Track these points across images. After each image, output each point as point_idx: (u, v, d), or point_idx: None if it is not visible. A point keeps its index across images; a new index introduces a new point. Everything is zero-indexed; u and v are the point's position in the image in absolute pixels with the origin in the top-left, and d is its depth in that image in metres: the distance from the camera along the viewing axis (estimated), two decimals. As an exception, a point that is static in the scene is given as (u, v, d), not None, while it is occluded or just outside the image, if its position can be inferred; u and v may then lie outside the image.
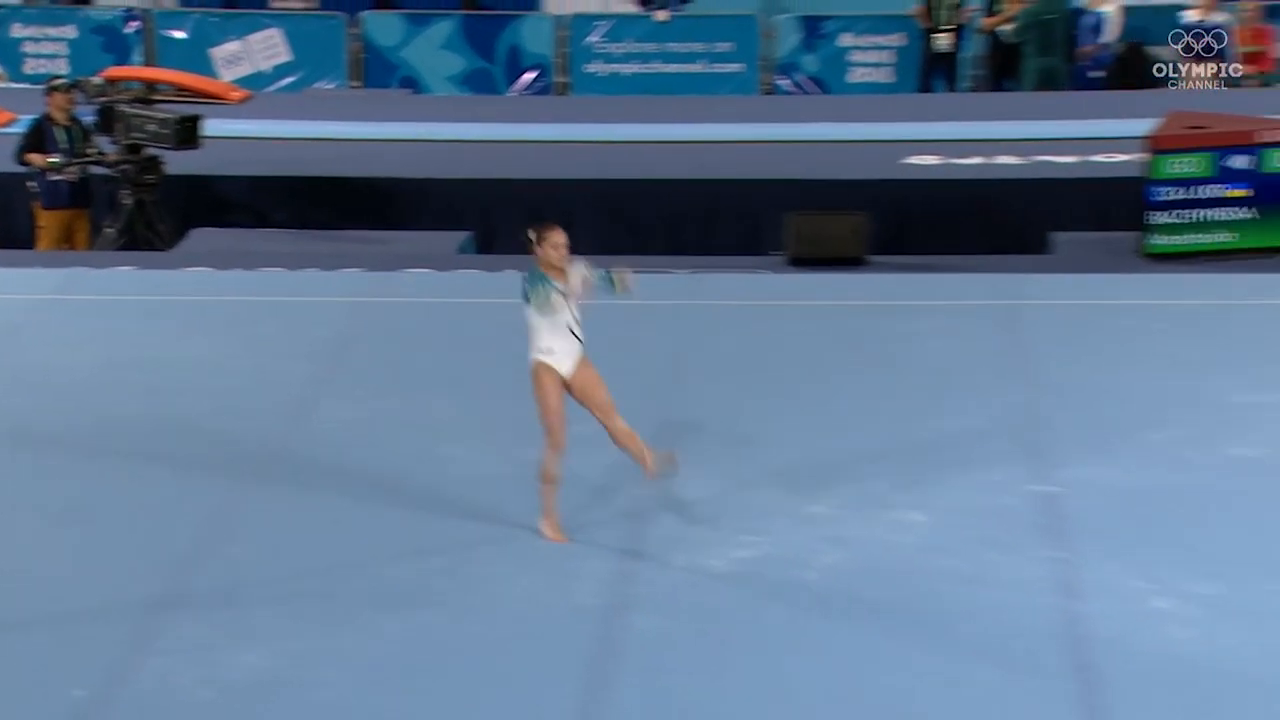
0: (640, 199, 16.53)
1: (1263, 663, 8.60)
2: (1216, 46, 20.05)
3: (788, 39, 21.77)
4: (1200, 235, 14.71)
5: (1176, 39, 20.19)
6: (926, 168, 16.81)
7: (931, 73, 21.12)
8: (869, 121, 18.70)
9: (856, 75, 21.63)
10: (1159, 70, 20.32)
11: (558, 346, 9.67)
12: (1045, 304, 13.73)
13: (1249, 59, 20.19)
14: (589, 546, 9.84)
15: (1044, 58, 20.49)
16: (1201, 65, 20.08)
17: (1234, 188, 14.66)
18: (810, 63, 21.72)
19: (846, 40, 21.66)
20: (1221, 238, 14.70)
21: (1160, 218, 14.74)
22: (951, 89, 21.16)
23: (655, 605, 9.27)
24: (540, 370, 9.71)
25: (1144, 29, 20.92)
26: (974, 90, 21.28)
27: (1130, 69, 20.54)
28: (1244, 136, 14.81)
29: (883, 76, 21.56)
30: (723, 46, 21.84)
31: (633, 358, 11.63)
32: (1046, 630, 8.97)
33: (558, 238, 9.69)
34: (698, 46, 21.87)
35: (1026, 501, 10.37)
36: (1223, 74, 20.05)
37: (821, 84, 21.64)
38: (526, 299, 9.64)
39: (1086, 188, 16.09)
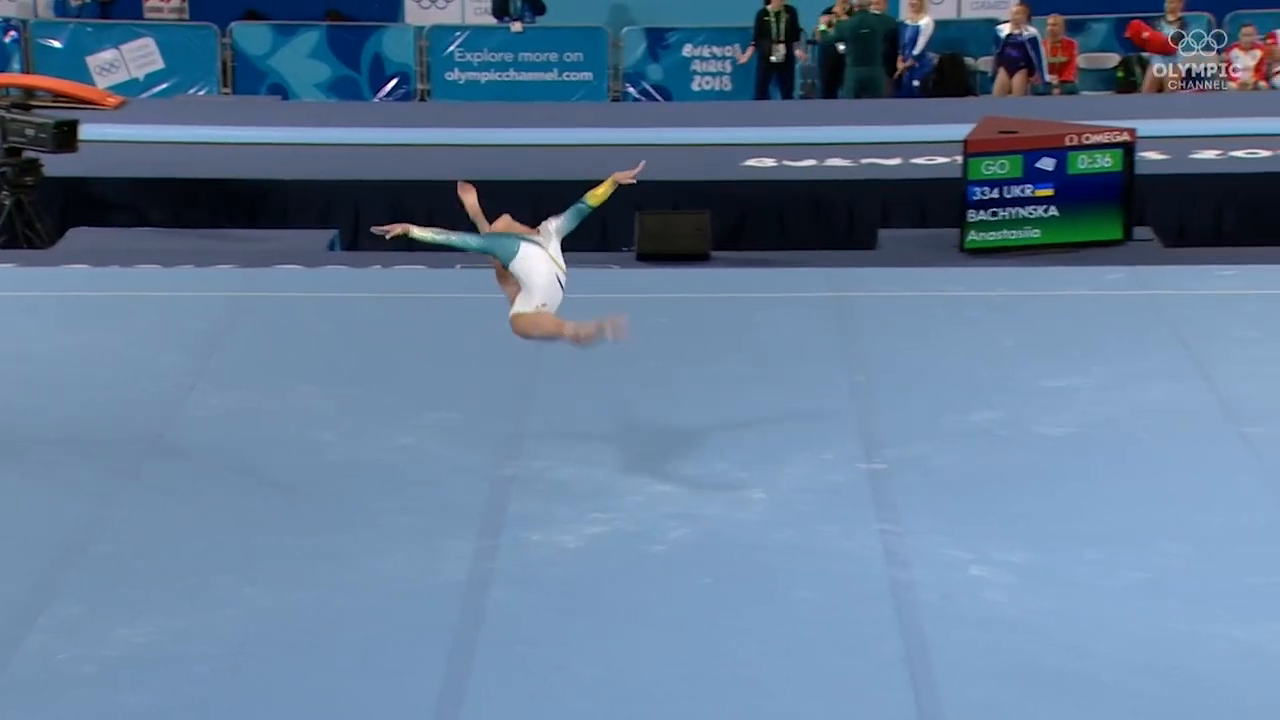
0: (498, 199, 16.35)
1: (1069, 624, 8.77)
2: (1028, 57, 20.35)
3: (634, 49, 21.85)
4: (1011, 232, 14.94)
5: (991, 50, 20.49)
6: (764, 169, 16.92)
7: (768, 81, 21.28)
8: (711, 127, 18.80)
9: (698, 84, 21.75)
10: (976, 79, 20.63)
11: (550, 302, 9.45)
12: (873, 295, 13.86)
13: (1054, 69, 20.52)
14: (453, 526, 9.87)
15: (861, 68, 20.69)
16: (1013, 75, 20.38)
17: (1041, 188, 14.91)
18: (655, 72, 21.81)
19: (689, 51, 21.77)
20: (1030, 234, 14.94)
21: (976, 216, 14.96)
22: (786, 96, 21.32)
23: (514, 580, 9.31)
24: (527, 314, 9.42)
25: (963, 40, 21.19)
26: (806, 98, 21.46)
27: (949, 78, 20.81)
28: (1051, 140, 15.06)
29: (722, 85, 21.70)
30: (573, 56, 21.89)
31: (491, 349, 11.65)
32: (875, 597, 9.09)
33: (503, 218, 9.57)
34: (550, 56, 21.91)
35: (857, 479, 10.49)
36: (1033, 83, 20.36)
37: (666, 92, 21.73)
38: (507, 255, 9.37)
39: (910, 188, 16.26)
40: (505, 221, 9.53)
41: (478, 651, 8.63)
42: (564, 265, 9.45)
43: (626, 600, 9.12)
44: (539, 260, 9.39)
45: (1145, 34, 20.47)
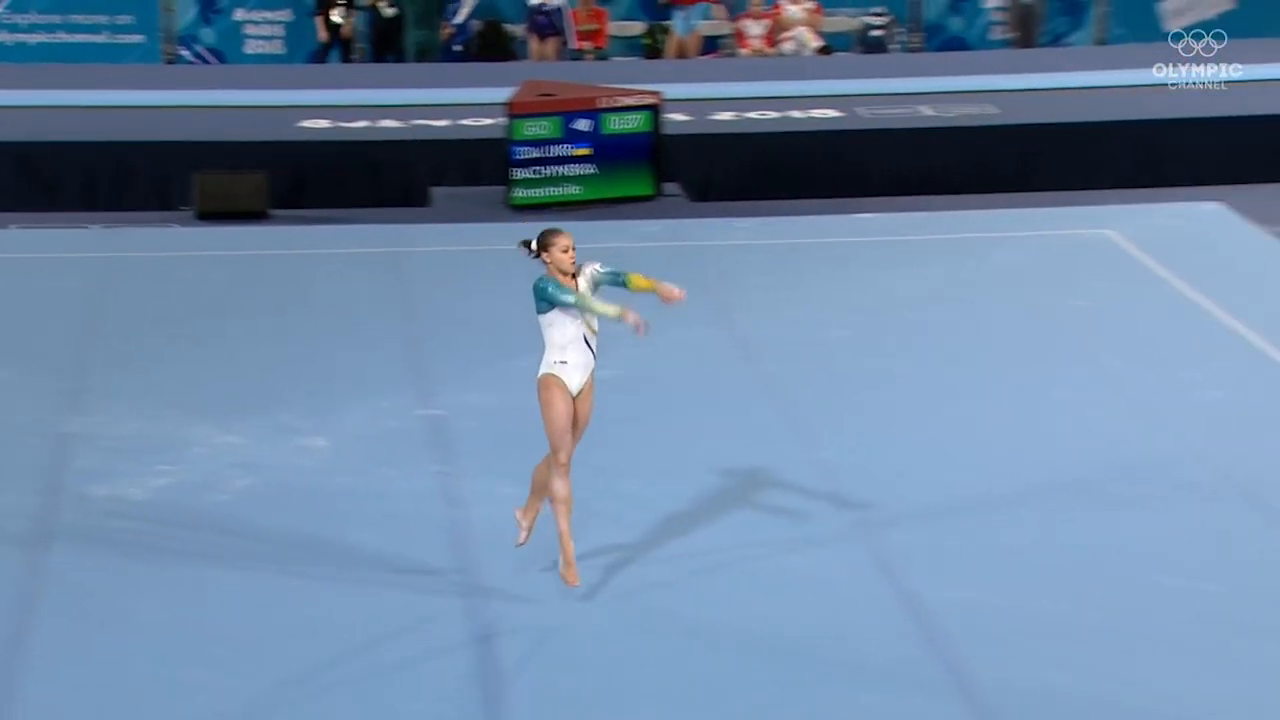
0: (55, 160, 15.98)
1: (615, 550, 8.95)
2: (557, 25, 20.57)
3: (185, 13, 21.28)
4: (553, 189, 15.12)
5: (525, 18, 20.66)
6: (319, 130, 16.74)
7: (326, 46, 21.01)
8: (266, 89, 18.48)
9: (251, 47, 21.33)
10: (515, 44, 20.75)
11: (571, 358, 8.23)
12: (427, 250, 13.90)
13: (587, 36, 20.79)
14: (13, 483, 9.55)
15: (419, 31, 20.62)
16: (545, 42, 20.60)
17: (578, 147, 15.12)
18: (208, 35, 21.29)
19: (240, 15, 21.33)
20: (571, 190, 15.14)
21: (521, 174, 15.09)
22: (344, 61, 21.10)
23: (78, 534, 9.07)
24: (550, 383, 8.20)
25: (500, 7, 21.26)
26: (360, 61, 21.27)
27: (491, 43, 20.86)
28: (587, 103, 15.28)
29: (275, 48, 21.34)
30: (124, 19, 21.19)
31: (50, 309, 11.30)
32: (433, 534, 9.17)
33: (565, 240, 8.18)
34: (100, 19, 21.17)
35: (415, 424, 10.54)
36: (564, 49, 20.60)
37: (220, 55, 21.27)
38: (543, 306, 8.17)
39: (459, 148, 16.28)
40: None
41: (39, 604, 8.38)
42: (595, 330, 8.32)
43: (192, 547, 8.98)
44: (573, 317, 8.25)
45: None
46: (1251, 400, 10.68)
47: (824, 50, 20.59)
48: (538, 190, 15.09)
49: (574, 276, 8.23)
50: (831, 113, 17.07)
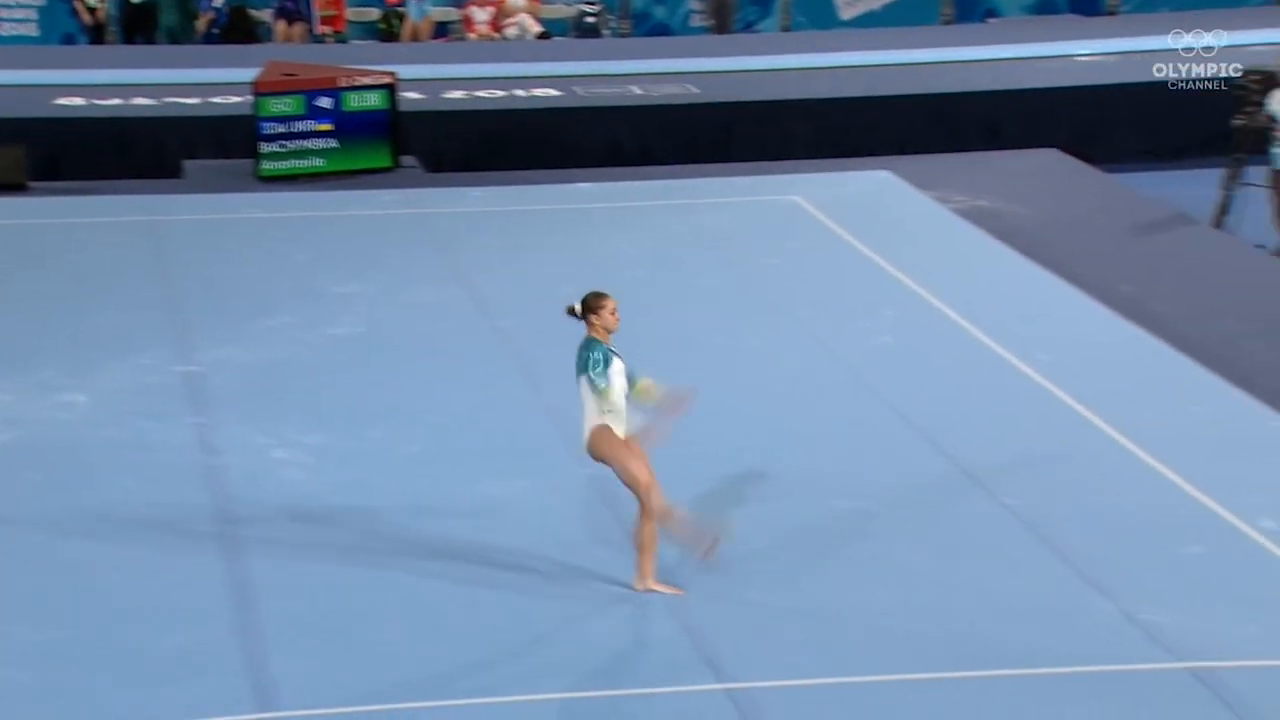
0: None
1: (358, 490, 8.84)
2: (302, 11, 20.14)
3: (-59, -2, 20.32)
4: (299, 161, 14.80)
5: (268, 3, 20.19)
6: (75, 107, 16.13)
7: (89, 28, 20.24)
8: (22, 69, 17.73)
9: (5, 29, 20.44)
10: (261, 28, 20.26)
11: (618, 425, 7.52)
12: (181, 219, 13.53)
13: (327, 21, 20.42)
14: None
15: (171, 15, 20.00)
16: (290, 26, 20.15)
17: (321, 122, 14.82)
18: (-43, 17, 20.35)
19: (-8, -3, 20.43)
20: (315, 163, 14.84)
21: (268, 147, 14.74)
22: (93, 43, 20.34)
23: None
24: (606, 433, 7.47)
25: (246, -7, 20.72)
26: (109, 44, 20.50)
27: (239, 27, 20.35)
28: (328, 82, 14.99)
29: (29, 30, 20.48)
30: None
31: None
32: (191, 482, 8.92)
33: (611, 303, 7.58)
34: None
35: (173, 379, 10.24)
36: (308, 33, 20.17)
37: (-32, 37, 20.33)
38: (588, 372, 7.50)
39: (209, 124, 15.86)
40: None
41: None
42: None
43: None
44: (618, 381, 7.61)
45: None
46: (916, 343, 10.92)
47: (544, 35, 20.57)
48: (284, 163, 14.76)
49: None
50: (552, 92, 17.01)
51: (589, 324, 7.64)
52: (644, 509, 7.52)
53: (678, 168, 15.67)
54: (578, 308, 7.66)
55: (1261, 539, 8.19)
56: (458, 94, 16.85)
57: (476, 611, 7.68)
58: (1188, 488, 8.74)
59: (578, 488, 8.84)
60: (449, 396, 10.06)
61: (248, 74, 15.36)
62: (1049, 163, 15.24)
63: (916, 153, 15.99)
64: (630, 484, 7.51)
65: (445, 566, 8.06)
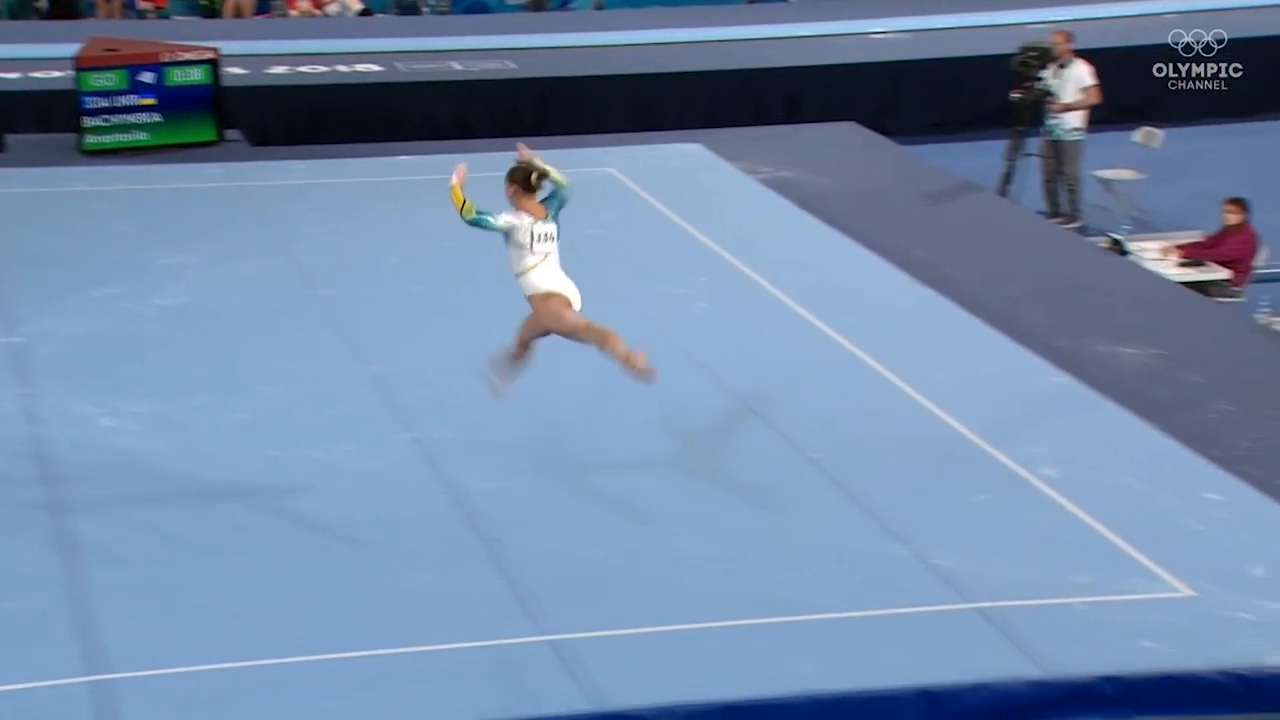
0: None
1: (187, 457, 8.70)
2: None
3: None
4: (122, 135, 14.45)
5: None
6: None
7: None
8: None
9: None
10: (83, 3, 19.72)
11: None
12: (3, 193, 13.13)
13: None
14: None
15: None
16: (112, 2, 19.66)
17: (144, 97, 14.47)
18: None
19: None
20: (139, 137, 14.51)
21: (91, 122, 14.37)
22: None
23: None
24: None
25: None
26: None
27: (61, 4, 19.80)
28: (150, 57, 14.64)
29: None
30: None
31: None
32: (19, 452, 8.70)
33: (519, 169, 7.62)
34: None
35: (-3, 351, 9.98)
36: (125, 8, 19.69)
37: None
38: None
39: (31, 99, 15.41)
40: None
41: None
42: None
43: None
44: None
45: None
46: (728, 309, 11.02)
47: (365, 12, 20.31)
48: (107, 137, 14.39)
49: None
50: (373, 67, 16.82)
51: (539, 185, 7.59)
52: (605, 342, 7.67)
53: (496, 141, 15.58)
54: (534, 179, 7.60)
55: (1043, 486, 8.43)
56: (281, 69, 16.59)
57: (302, 572, 7.62)
58: (977, 439, 8.96)
59: (401, 452, 8.80)
60: (275, 365, 9.92)
61: (69, 49, 14.96)
62: (847, 135, 15.45)
63: (725, 126, 16.13)
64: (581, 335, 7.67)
65: (272, 530, 7.98)
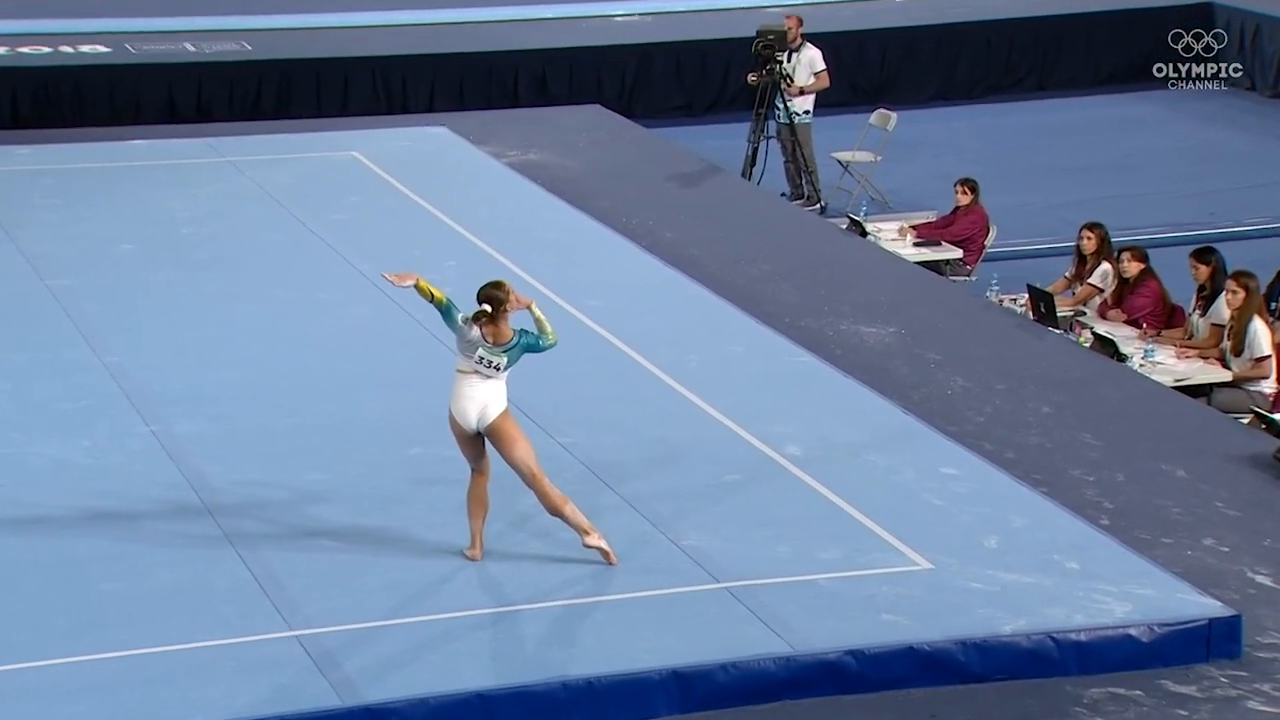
0: None
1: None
2: None
3: None
4: None
5: None
6: None
7: None
8: None
9: None
10: None
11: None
12: None
13: None
14: None
15: None
16: None
17: None
18: None
19: None
20: None
21: None
22: None
23: None
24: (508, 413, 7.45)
25: None
26: None
27: None
28: None
29: None
30: None
31: None
32: None
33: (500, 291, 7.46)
34: None
35: None
36: None
37: None
38: (541, 348, 7.50)
39: None
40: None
41: None
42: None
43: None
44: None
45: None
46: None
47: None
48: None
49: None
50: (101, 48, 16.36)
51: (503, 315, 7.45)
52: (542, 492, 7.47)
53: (236, 124, 15.32)
54: (488, 309, 7.43)
55: (789, 465, 8.64)
56: (0, 50, 16.04)
57: (37, 574, 7.41)
58: (725, 420, 9.14)
59: (142, 445, 8.62)
60: (5, 359, 9.63)
61: None
62: (593, 118, 15.58)
63: (471, 109, 16.10)
64: (531, 470, 7.45)
65: (7, 527, 7.75)
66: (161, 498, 8.11)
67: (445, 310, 7.53)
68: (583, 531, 7.53)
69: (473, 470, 7.61)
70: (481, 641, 7.06)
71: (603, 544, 7.56)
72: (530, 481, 7.49)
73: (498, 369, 7.45)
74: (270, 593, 7.29)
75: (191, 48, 16.59)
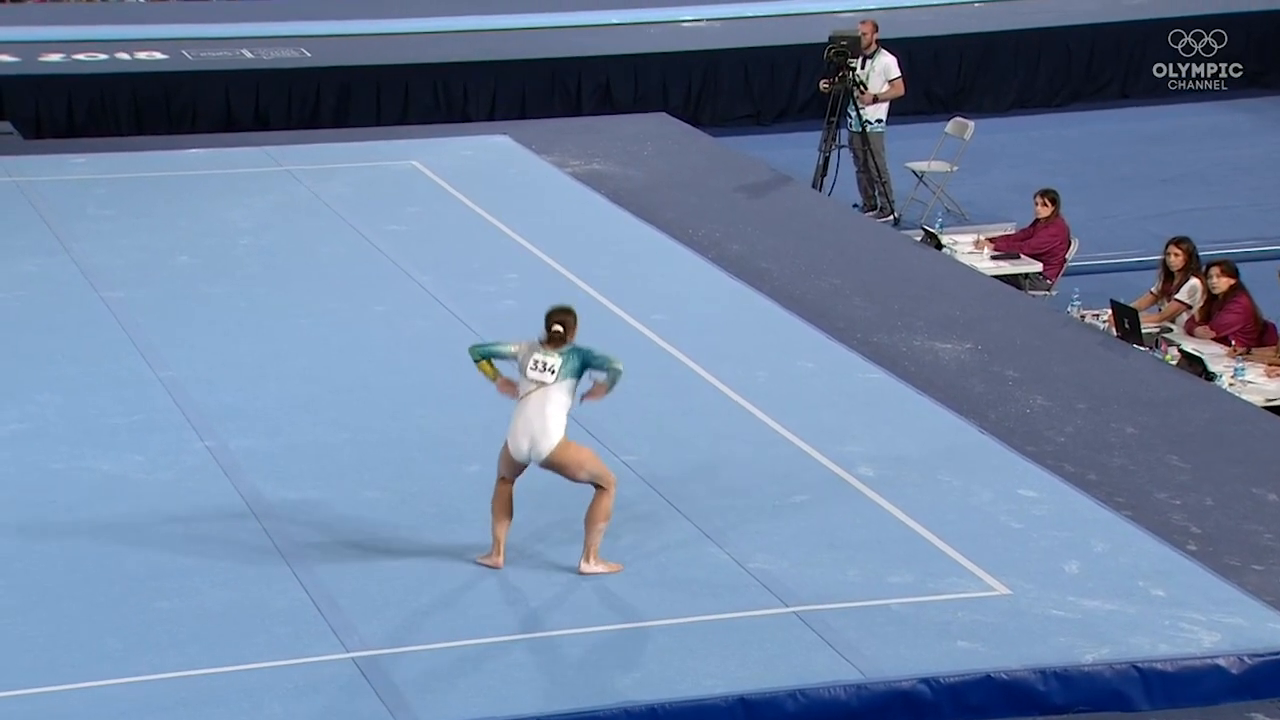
0: None
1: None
2: None
3: None
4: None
5: None
6: None
7: None
8: None
9: None
10: None
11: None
12: None
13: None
14: None
15: None
16: None
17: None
18: None
19: None
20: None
21: None
22: None
23: None
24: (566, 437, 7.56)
25: None
26: None
27: None
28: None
29: None
30: None
31: None
32: None
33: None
34: None
35: None
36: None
37: None
38: (609, 368, 7.62)
39: None
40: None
41: None
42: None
43: None
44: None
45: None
46: (539, 306, 10.93)
47: (149, -5, 19.96)
48: None
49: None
50: (159, 55, 16.53)
51: (569, 337, 7.58)
52: (608, 492, 7.59)
53: (294, 133, 15.43)
54: (560, 329, 7.58)
55: (860, 486, 8.60)
56: (56, 57, 16.23)
57: (90, 593, 7.47)
58: (794, 439, 9.11)
59: (197, 462, 8.68)
60: (58, 372, 9.72)
61: None
62: (659, 126, 15.59)
63: (533, 117, 16.16)
64: (606, 476, 7.59)
65: (56, 549, 7.81)
66: (216, 514, 8.16)
67: (490, 361, 7.68)
68: (588, 555, 7.61)
69: (502, 478, 7.67)
70: (541, 665, 7.05)
71: (598, 569, 7.60)
72: (607, 485, 7.56)
73: (551, 371, 7.49)
74: (326, 613, 7.32)
75: (249, 55, 16.73)
